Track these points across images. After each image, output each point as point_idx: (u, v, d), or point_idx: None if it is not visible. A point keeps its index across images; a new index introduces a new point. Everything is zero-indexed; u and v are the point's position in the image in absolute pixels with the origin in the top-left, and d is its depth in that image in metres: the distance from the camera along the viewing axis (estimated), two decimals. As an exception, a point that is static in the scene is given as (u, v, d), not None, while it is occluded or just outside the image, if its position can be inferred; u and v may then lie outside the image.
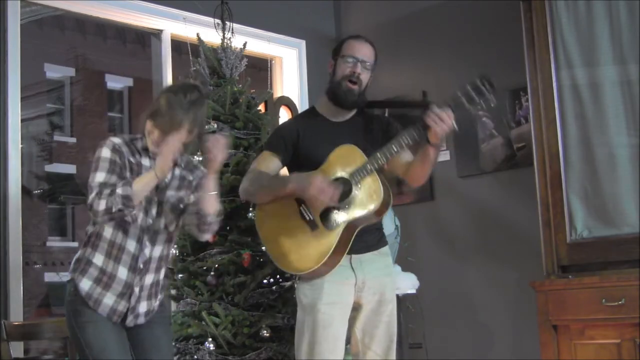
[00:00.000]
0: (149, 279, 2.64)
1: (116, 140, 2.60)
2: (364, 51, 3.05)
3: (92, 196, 2.46)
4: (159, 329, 2.71)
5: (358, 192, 2.89)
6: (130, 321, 2.63)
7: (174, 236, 2.74)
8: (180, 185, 2.71)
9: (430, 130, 2.78)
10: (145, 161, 2.63)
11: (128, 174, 2.56)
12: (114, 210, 2.44)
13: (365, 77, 3.05)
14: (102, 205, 2.44)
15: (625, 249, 3.50)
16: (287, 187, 2.92)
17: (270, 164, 3.06)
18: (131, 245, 2.59)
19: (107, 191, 2.46)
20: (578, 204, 3.66)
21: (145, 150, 2.64)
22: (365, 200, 2.88)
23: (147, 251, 2.62)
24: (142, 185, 2.50)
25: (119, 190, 2.44)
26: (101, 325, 2.56)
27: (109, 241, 2.58)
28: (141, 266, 2.61)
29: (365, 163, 2.88)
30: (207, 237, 2.77)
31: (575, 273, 3.59)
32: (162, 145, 2.53)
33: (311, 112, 3.19)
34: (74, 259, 2.64)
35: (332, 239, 2.88)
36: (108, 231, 2.58)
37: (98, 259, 2.57)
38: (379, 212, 2.91)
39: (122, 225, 2.58)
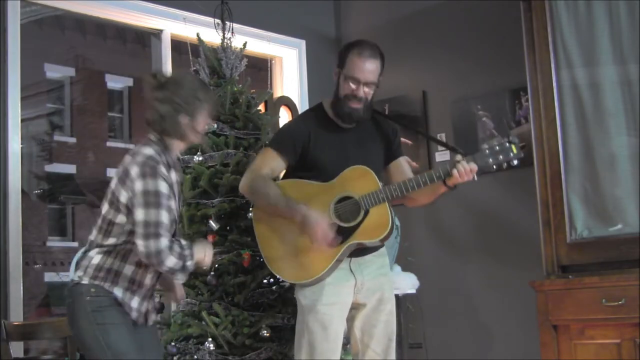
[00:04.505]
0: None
1: (155, 156, 2.55)
2: (367, 71, 2.94)
3: (161, 244, 2.48)
4: (153, 328, 2.78)
5: (365, 218, 2.86)
6: (152, 319, 2.71)
7: None
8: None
9: (452, 177, 2.81)
10: (173, 175, 2.65)
11: None
12: (176, 272, 2.55)
13: (369, 92, 2.98)
14: (170, 262, 2.51)
15: (625, 249, 3.50)
16: (293, 215, 2.88)
17: (275, 164, 3.03)
18: None
19: (177, 249, 2.53)
20: (578, 204, 3.66)
21: (174, 163, 2.67)
22: (373, 228, 2.86)
23: None
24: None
25: (189, 264, 2.57)
26: (124, 328, 2.56)
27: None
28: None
29: (378, 191, 2.85)
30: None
31: (575, 273, 3.59)
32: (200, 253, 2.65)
33: (321, 113, 3.09)
34: (97, 266, 2.57)
35: (333, 255, 2.88)
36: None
37: (128, 270, 2.58)
38: (384, 240, 2.93)
39: None
